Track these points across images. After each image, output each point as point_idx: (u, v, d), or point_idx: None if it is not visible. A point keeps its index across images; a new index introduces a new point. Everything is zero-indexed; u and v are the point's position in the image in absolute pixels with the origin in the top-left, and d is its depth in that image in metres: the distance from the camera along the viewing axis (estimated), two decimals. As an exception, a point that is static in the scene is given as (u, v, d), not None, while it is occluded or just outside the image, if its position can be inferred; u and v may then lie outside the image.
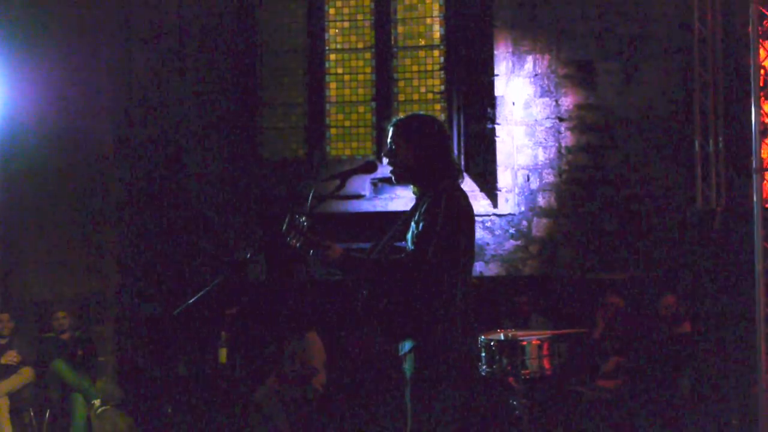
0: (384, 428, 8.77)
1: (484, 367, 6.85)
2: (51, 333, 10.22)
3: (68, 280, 10.77)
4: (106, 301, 10.88)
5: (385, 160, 5.11)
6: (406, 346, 4.79)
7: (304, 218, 4.84)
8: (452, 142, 5.24)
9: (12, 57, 10.51)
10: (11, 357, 9.83)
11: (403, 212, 5.03)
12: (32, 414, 9.79)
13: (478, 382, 8.09)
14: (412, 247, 4.78)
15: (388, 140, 5.05)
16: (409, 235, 4.85)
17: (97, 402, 9.60)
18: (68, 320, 10.23)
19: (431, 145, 4.97)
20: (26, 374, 9.82)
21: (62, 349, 9.98)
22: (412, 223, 4.85)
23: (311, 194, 4.95)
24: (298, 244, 4.81)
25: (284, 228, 4.81)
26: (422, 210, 4.79)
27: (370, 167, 5.26)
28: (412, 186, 5.07)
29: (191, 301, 5.06)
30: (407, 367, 4.78)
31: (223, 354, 9.93)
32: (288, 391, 9.43)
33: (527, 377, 6.78)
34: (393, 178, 5.14)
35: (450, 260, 4.70)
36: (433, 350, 4.69)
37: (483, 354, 6.86)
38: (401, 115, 5.26)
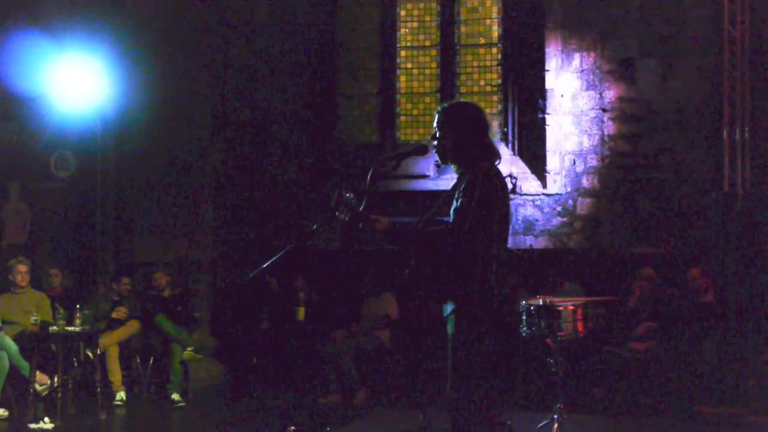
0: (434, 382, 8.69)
1: (524, 328, 6.97)
2: (154, 291, 10.29)
3: (170, 246, 10.95)
4: (202, 265, 11.03)
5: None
6: (448, 308, 4.76)
7: (352, 195, 4.80)
8: (491, 127, 5.16)
9: (123, 53, 10.73)
10: (121, 312, 9.95)
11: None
12: (138, 360, 9.95)
13: (516, 341, 8.30)
14: (453, 220, 4.75)
15: (435, 125, 5.01)
16: (451, 210, 4.81)
17: (188, 350, 9.79)
18: (165, 279, 10.25)
19: (470, 129, 4.92)
20: (133, 326, 9.96)
21: (163, 305, 10.07)
22: (453, 200, 4.81)
23: (370, 173, 4.89)
24: (346, 218, 4.78)
25: (332, 203, 4.77)
26: (462, 187, 4.76)
27: (422, 150, 5.23)
28: (453, 166, 5.02)
29: (265, 266, 5.08)
30: (449, 327, 4.76)
31: (300, 312, 10.20)
32: (358, 344, 9.62)
33: (563, 339, 6.86)
34: (437, 158, 5.13)
35: (485, 232, 4.66)
36: (471, 312, 4.67)
37: (524, 317, 6.97)
38: (446, 103, 5.17)
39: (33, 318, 8.83)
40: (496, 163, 4.94)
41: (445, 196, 4.95)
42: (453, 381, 4.72)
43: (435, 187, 11.02)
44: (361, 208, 4.81)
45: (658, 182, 10.73)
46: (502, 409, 5.53)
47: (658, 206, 10.72)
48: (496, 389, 4.86)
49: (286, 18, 11.91)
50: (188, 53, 11.03)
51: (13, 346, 8.84)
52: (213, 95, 11.38)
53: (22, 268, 9.50)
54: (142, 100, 10.88)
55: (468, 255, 4.67)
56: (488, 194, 4.69)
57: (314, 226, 5.46)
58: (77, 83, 10.38)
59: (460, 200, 4.73)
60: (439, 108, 5.08)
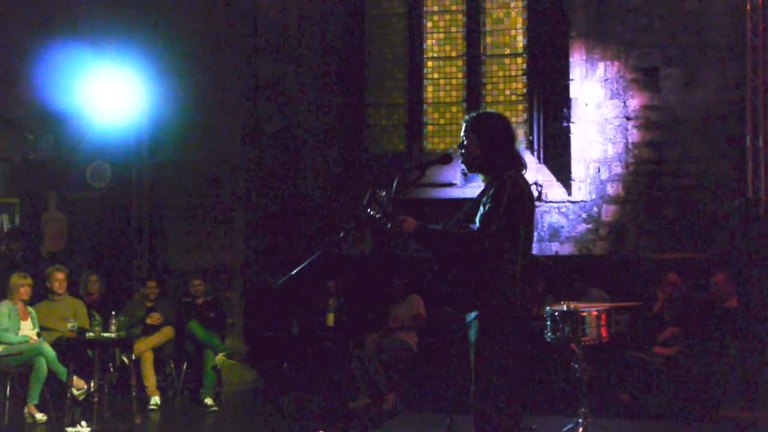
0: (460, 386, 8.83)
1: (549, 334, 6.97)
2: (188, 298, 10.30)
3: (203, 254, 10.95)
4: (234, 272, 11.05)
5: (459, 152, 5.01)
6: (472, 314, 4.73)
7: (384, 193, 4.78)
8: (516, 137, 5.10)
9: (157, 67, 10.82)
10: (155, 318, 9.90)
11: None
12: (172, 365, 10.02)
13: (540, 347, 8.16)
14: (479, 225, 4.72)
15: (461, 134, 4.98)
16: (477, 217, 4.77)
17: (220, 356, 9.76)
18: (203, 287, 10.28)
19: (496, 138, 4.89)
20: (167, 332, 9.96)
21: (197, 311, 10.10)
22: (480, 206, 4.77)
23: (396, 181, 4.84)
24: (377, 216, 4.77)
25: (365, 201, 4.77)
26: (489, 194, 4.74)
27: (446, 159, 5.15)
28: (480, 175, 4.99)
29: (294, 272, 5.05)
30: (472, 332, 4.72)
31: (330, 318, 10.27)
32: (387, 348, 9.59)
33: (587, 343, 6.88)
34: (464, 167, 5.10)
35: (510, 238, 4.65)
36: (494, 319, 4.64)
37: (548, 323, 6.97)
38: (473, 113, 5.10)
39: (70, 324, 8.93)
40: (523, 171, 4.92)
41: (472, 202, 4.94)
42: (476, 386, 4.70)
43: (462, 195, 10.99)
44: (390, 210, 4.80)
45: (682, 189, 10.72)
46: (526, 413, 5.50)
47: (681, 212, 10.71)
48: (519, 394, 4.77)
49: (316, 31, 12.00)
50: (220, 67, 11.05)
51: (51, 352, 8.94)
52: (244, 107, 11.43)
53: (60, 275, 9.61)
54: (175, 113, 10.96)
55: (492, 260, 4.66)
56: (515, 201, 4.69)
57: (341, 234, 5.47)
58: (113, 97, 10.56)
59: (488, 206, 4.72)
60: (466, 117, 5.06)
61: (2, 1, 11.54)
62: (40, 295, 9.68)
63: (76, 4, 11.34)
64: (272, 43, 11.75)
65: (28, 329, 9.17)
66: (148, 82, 10.80)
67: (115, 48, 10.81)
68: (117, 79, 10.52)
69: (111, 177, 11.54)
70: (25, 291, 9.24)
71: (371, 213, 4.78)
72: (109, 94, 10.53)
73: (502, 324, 4.66)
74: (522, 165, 4.94)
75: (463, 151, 4.99)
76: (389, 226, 4.83)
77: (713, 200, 10.56)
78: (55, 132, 11.73)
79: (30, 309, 9.35)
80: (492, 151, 4.89)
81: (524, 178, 4.88)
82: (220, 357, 9.77)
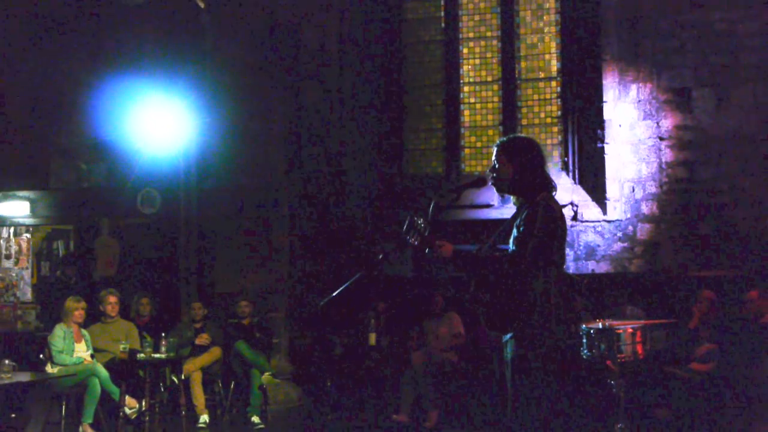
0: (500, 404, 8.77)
1: (585, 351, 6.94)
2: (235, 319, 10.41)
3: (249, 276, 11.01)
4: (279, 294, 11.09)
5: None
6: (508, 333, 4.78)
7: (422, 221, 4.87)
8: (546, 160, 5.15)
9: (204, 98, 10.99)
10: (204, 339, 10.06)
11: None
12: (220, 384, 10.13)
13: (576, 365, 8.16)
14: (513, 248, 4.77)
15: (493, 158, 5.03)
16: (511, 239, 4.83)
17: (266, 375, 9.86)
18: (249, 308, 10.40)
19: (528, 162, 4.94)
20: (215, 353, 10.08)
21: (244, 332, 10.22)
22: (514, 228, 4.84)
23: (432, 205, 4.99)
24: (416, 242, 4.85)
25: (404, 228, 4.87)
26: (522, 217, 4.79)
27: (480, 182, 5.28)
28: (512, 197, 5.08)
29: (335, 294, 5.11)
30: (508, 351, 4.76)
31: (372, 338, 10.26)
32: (432, 366, 9.56)
33: (623, 360, 6.79)
34: (496, 190, 5.17)
35: (544, 259, 4.69)
36: (530, 338, 4.67)
37: (585, 340, 6.93)
38: (503, 138, 5.18)
39: (122, 346, 9.07)
40: (553, 193, 4.98)
41: (506, 225, 5.00)
42: (513, 404, 4.74)
43: (499, 216, 10.89)
44: (427, 234, 4.88)
45: (716, 207, 10.63)
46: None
47: (716, 230, 10.61)
48: (556, 412, 4.81)
49: (355, 60, 12.07)
50: (264, 96, 11.17)
51: (104, 373, 9.09)
52: (287, 134, 11.48)
53: (112, 299, 9.78)
54: (221, 141, 11.09)
55: (527, 282, 4.70)
56: (548, 223, 4.75)
57: (380, 256, 5.51)
58: (162, 127, 10.69)
59: (521, 228, 4.77)
60: (497, 142, 5.11)
61: (56, 35, 11.81)
62: (93, 317, 9.86)
63: (126, 37, 11.57)
64: (314, 72, 11.82)
65: (82, 351, 9.34)
66: (195, 112, 10.93)
67: (164, 79, 10.97)
68: (166, 110, 10.66)
69: (160, 203, 11.72)
70: (79, 314, 9.41)
71: (410, 240, 4.88)
72: (158, 124, 10.67)
73: (538, 343, 4.70)
74: (553, 187, 5.00)
75: (495, 174, 5.05)
76: (427, 251, 4.90)
77: (746, 217, 10.45)
78: (107, 161, 11.96)
79: (84, 331, 9.52)
80: (523, 174, 4.94)
81: (555, 200, 4.93)
82: (266, 376, 9.85)
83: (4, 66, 12.28)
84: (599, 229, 11.04)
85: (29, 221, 13.03)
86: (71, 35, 11.79)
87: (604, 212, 11.04)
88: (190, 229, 11.42)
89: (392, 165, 12.26)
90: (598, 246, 11.03)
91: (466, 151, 12.18)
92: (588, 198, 11.19)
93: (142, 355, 9.06)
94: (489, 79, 12.13)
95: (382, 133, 12.22)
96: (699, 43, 10.78)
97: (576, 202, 11.11)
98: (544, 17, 11.93)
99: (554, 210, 4.84)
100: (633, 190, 10.95)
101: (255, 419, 9.58)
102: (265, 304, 10.94)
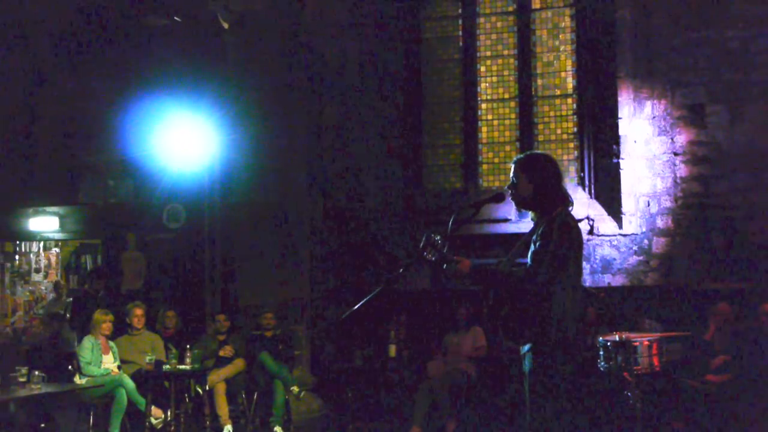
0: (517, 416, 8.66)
1: (602, 363, 6.92)
2: (258, 331, 10.39)
3: (271, 289, 11.02)
4: (301, 306, 11.12)
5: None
6: (526, 346, 4.78)
7: (439, 237, 4.84)
8: (563, 176, 5.16)
9: (228, 115, 11.06)
10: (227, 350, 10.06)
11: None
12: (243, 396, 10.09)
13: (594, 377, 8.20)
14: (530, 263, 4.78)
15: (511, 175, 5.02)
16: (529, 254, 4.83)
17: (295, 387, 9.82)
18: (273, 321, 10.36)
19: (545, 178, 4.94)
20: (239, 364, 10.06)
21: (267, 344, 10.18)
22: (531, 243, 4.84)
23: (451, 220, 4.95)
24: (433, 258, 4.83)
25: (422, 245, 4.82)
26: (539, 232, 4.80)
27: (498, 198, 5.24)
28: (530, 212, 5.08)
29: (356, 307, 5.14)
30: (527, 363, 4.77)
31: (392, 349, 10.30)
32: (450, 376, 9.54)
33: (639, 372, 6.79)
34: (515, 205, 5.17)
35: (561, 274, 4.69)
36: (548, 350, 4.68)
37: (602, 352, 6.91)
38: (521, 155, 5.18)
39: (148, 357, 9.15)
40: (570, 208, 4.99)
41: (524, 239, 5.00)
42: (532, 417, 4.75)
43: (517, 230, 10.71)
44: (445, 251, 4.87)
45: (730, 221, 10.60)
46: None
47: (730, 244, 10.57)
48: (574, 425, 4.78)
49: (375, 78, 12.11)
50: (287, 113, 11.23)
51: (130, 383, 9.16)
52: (310, 150, 11.53)
53: (139, 311, 9.86)
54: (245, 157, 11.14)
55: (545, 296, 4.71)
56: (564, 237, 4.76)
57: (400, 270, 5.54)
58: (187, 143, 10.80)
59: (538, 243, 4.78)
60: (515, 159, 5.13)
61: (86, 57, 11.94)
62: (120, 330, 9.92)
63: (152, 58, 11.65)
64: (335, 90, 11.87)
65: (109, 362, 9.41)
66: (219, 130, 11.00)
67: (189, 98, 11.03)
68: (191, 128, 10.76)
69: (185, 218, 11.84)
70: (106, 326, 9.50)
71: (427, 256, 4.86)
72: (183, 141, 10.78)
73: (556, 355, 4.70)
74: (569, 202, 5.00)
75: (513, 190, 5.06)
76: (445, 267, 4.90)
77: (760, 231, 10.43)
78: (134, 178, 12.07)
79: (111, 343, 9.60)
80: (540, 190, 4.95)
81: (572, 215, 4.94)
82: (296, 389, 9.81)
83: (36, 87, 12.44)
84: (615, 242, 11.02)
85: (58, 236, 13.20)
86: (100, 57, 11.89)
87: (620, 226, 11.01)
88: (214, 243, 11.48)
89: (412, 180, 12.27)
90: (614, 259, 11.01)
91: (484, 166, 12.18)
92: (604, 212, 11.17)
93: (167, 366, 9.14)
94: (506, 96, 12.13)
95: (401, 148, 12.23)
96: (712, 60, 10.77)
97: (592, 217, 11.10)
98: (560, 36, 11.93)
99: (570, 225, 4.85)
100: (648, 205, 10.93)
101: (278, 429, 9.61)
102: (288, 316, 10.95)
